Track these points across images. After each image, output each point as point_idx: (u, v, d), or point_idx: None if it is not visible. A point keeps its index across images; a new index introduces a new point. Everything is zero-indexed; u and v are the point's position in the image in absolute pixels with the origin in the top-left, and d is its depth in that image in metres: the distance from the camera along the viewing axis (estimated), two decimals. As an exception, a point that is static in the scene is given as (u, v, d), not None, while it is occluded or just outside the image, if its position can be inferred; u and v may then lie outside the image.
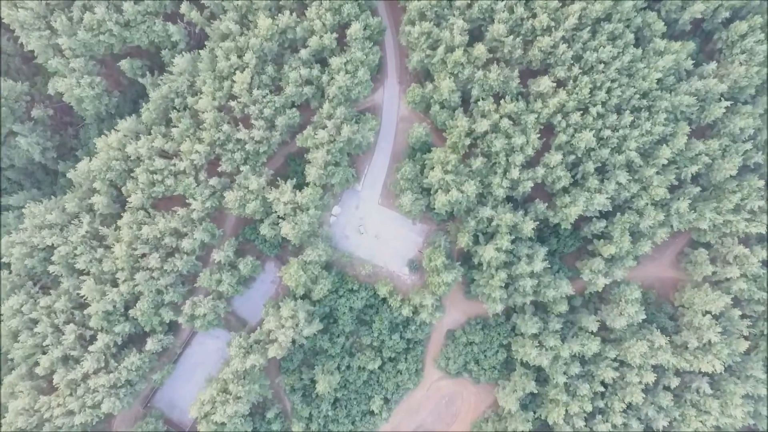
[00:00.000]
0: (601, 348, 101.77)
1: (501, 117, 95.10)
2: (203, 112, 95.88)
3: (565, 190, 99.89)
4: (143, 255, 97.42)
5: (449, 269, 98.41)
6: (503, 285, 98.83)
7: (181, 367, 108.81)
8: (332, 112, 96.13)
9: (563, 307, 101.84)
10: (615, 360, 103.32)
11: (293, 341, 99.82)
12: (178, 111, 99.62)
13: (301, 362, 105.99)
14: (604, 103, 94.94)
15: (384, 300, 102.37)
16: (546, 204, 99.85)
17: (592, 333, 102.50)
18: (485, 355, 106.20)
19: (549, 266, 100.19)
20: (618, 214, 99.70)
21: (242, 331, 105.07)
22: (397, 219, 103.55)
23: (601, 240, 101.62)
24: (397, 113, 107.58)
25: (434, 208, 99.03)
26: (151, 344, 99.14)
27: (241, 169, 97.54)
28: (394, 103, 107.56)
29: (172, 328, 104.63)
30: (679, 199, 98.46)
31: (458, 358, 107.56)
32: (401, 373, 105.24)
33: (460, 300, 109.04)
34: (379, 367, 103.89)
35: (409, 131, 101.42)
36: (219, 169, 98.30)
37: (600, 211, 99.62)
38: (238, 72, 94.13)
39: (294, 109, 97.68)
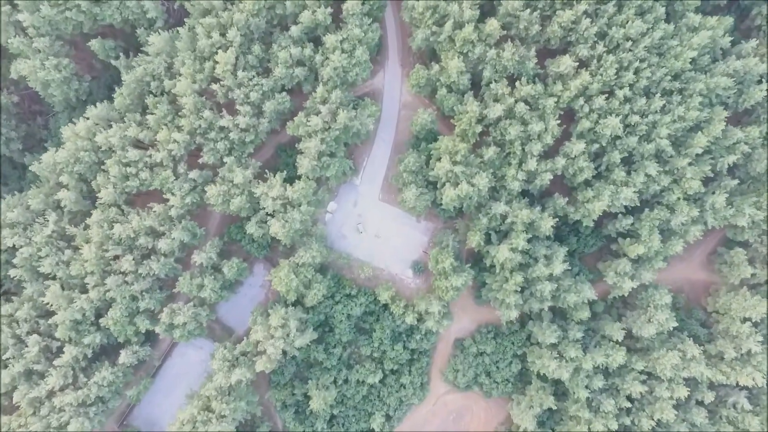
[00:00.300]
0: (627, 359, 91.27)
1: (516, 101, 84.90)
2: (182, 97, 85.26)
3: (588, 184, 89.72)
4: (115, 257, 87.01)
5: (458, 272, 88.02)
6: (518, 289, 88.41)
7: (161, 380, 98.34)
8: (327, 96, 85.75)
9: (585, 314, 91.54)
10: (642, 372, 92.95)
11: (284, 353, 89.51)
12: (155, 96, 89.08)
13: (294, 375, 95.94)
14: (631, 86, 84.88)
15: (385, 306, 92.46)
16: (566, 199, 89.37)
17: (617, 342, 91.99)
18: (497, 367, 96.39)
19: (569, 268, 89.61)
20: (646, 209, 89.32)
21: (228, 341, 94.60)
22: (400, 216, 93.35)
23: (627, 239, 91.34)
24: (399, 99, 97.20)
25: (441, 204, 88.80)
26: (125, 357, 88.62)
27: (224, 160, 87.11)
28: (396, 88, 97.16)
29: (150, 338, 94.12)
30: (714, 192, 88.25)
31: (468, 370, 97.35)
32: (404, 387, 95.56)
33: (470, 306, 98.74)
34: (380, 381, 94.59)
35: (413, 118, 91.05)
36: (200, 161, 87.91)
37: (626, 207, 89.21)
38: (220, 51, 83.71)
39: (284, 94, 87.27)
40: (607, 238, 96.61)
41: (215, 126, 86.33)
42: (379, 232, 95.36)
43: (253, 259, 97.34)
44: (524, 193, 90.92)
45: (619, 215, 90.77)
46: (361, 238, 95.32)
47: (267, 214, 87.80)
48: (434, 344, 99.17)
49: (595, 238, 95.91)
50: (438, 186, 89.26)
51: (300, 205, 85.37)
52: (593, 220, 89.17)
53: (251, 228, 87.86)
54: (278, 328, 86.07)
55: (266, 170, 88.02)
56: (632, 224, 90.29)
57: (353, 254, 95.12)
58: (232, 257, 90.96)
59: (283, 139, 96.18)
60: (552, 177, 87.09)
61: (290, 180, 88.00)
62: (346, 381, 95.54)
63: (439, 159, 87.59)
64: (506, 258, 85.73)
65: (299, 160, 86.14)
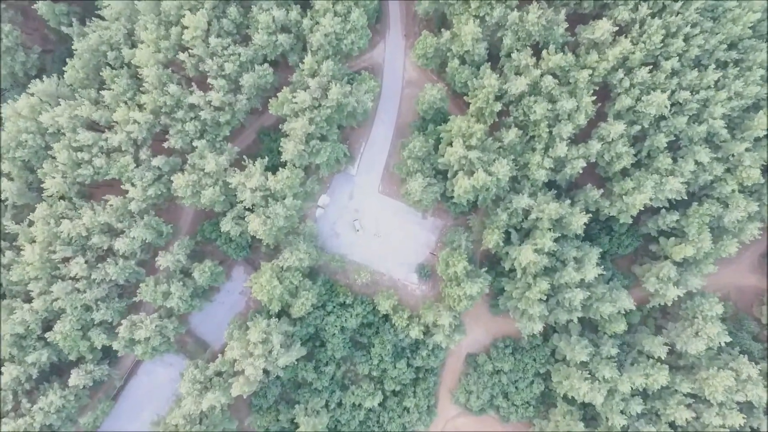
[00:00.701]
0: (670, 379, 77.38)
1: (542, 74, 71.90)
2: (143, 68, 71.28)
3: (625, 173, 76.34)
4: (65, 260, 73.22)
5: (473, 278, 74.35)
6: (544, 298, 74.53)
7: (125, 403, 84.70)
8: (316, 68, 72.10)
9: (621, 326, 78.12)
10: (688, 395, 78.97)
11: (266, 372, 75.60)
12: (113, 69, 75.21)
13: (279, 398, 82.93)
14: (680, 56, 71.95)
15: (386, 317, 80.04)
16: (600, 191, 75.60)
17: (658, 360, 78.19)
18: (517, 388, 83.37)
19: (602, 272, 75.75)
20: (694, 204, 75.73)
21: (201, 357, 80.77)
22: (403, 211, 79.97)
23: (671, 238, 77.50)
24: (402, 75, 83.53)
25: (452, 197, 75.58)
26: (77, 377, 74.89)
27: (194, 145, 73.43)
28: (399, 62, 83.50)
29: (109, 354, 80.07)
30: (775, 183, 74.40)
31: (482, 391, 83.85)
32: (408, 412, 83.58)
33: (485, 316, 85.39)
34: (379, 404, 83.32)
35: (419, 96, 77.45)
36: (166, 146, 74.33)
37: (669, 201, 75.40)
38: (189, 14, 69.88)
39: (266, 66, 73.63)
40: (644, 237, 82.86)
41: (183, 104, 72.76)
42: (378, 230, 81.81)
43: (231, 262, 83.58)
44: (549, 185, 77.26)
45: (662, 210, 77.17)
46: (358, 238, 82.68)
47: (245, 208, 73.92)
48: (443, 361, 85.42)
49: (631, 238, 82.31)
50: (448, 175, 75.65)
51: (284, 198, 71.64)
52: (631, 216, 75.34)
53: (226, 225, 74.10)
54: (258, 344, 72.23)
55: (245, 158, 74.02)
56: (677, 221, 76.41)
57: (348, 256, 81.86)
58: (205, 260, 77.03)
59: (267, 121, 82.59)
60: (585, 165, 73.19)
61: (274, 168, 74.18)
62: (339, 404, 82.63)
63: (450, 143, 73.91)
64: (530, 261, 72.14)
65: (284, 144, 72.21)
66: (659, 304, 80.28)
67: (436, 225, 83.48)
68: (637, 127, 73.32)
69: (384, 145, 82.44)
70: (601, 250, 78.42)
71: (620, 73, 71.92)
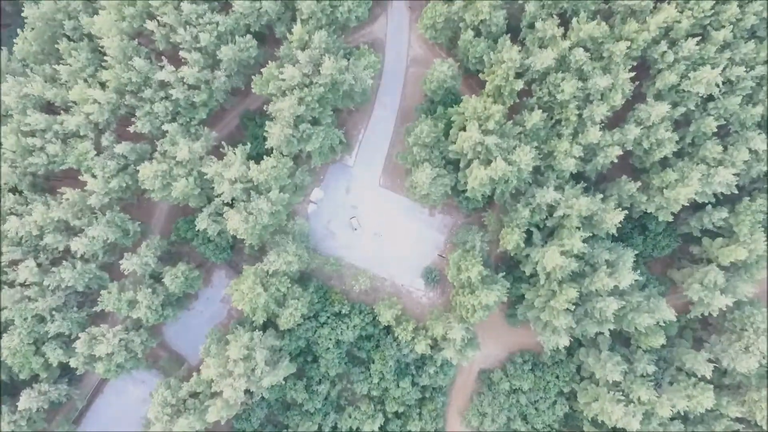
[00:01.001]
0: (716, 401, 67.04)
1: (571, 47, 61.71)
2: (105, 39, 60.77)
3: (665, 163, 65.63)
4: (12, 263, 62.64)
5: (489, 284, 64.12)
6: (571, 308, 64.02)
7: (90, 426, 74.24)
8: (307, 40, 61.52)
9: (659, 340, 67.80)
10: (736, 420, 68.63)
11: (249, 393, 65.09)
12: (71, 40, 64.70)
13: (265, 421, 73.02)
14: (733, 25, 61.22)
15: (387, 329, 69.20)
16: (637, 184, 65.15)
17: (701, 379, 67.79)
18: (537, 409, 74.06)
19: (638, 278, 65.30)
20: (745, 199, 65.31)
21: (176, 374, 70.40)
22: (408, 208, 70.83)
23: (717, 239, 67.09)
24: (406, 52, 73.33)
25: (464, 191, 65.34)
26: (27, 400, 64.34)
27: (165, 129, 62.54)
28: (403, 38, 73.34)
29: (69, 371, 69.47)
30: (839, 175, 64.07)
31: (498, 413, 74.06)
32: None
33: (500, 326, 75.48)
34: (380, 428, 71.32)
35: (426, 74, 67.04)
36: (132, 130, 63.62)
37: (716, 195, 64.92)
38: (158, -25, 59.33)
39: (249, 37, 63.16)
40: (683, 237, 72.37)
41: (152, 81, 62.72)
42: (379, 229, 71.50)
43: (211, 266, 73.27)
44: (575, 177, 66.84)
45: (708, 206, 66.50)
46: (356, 238, 73.14)
47: (224, 203, 63.43)
48: (453, 379, 75.14)
49: (669, 238, 72.16)
50: (461, 165, 65.42)
51: (269, 191, 61.37)
52: (672, 213, 64.90)
53: (203, 222, 63.80)
54: (239, 362, 61.82)
55: (224, 143, 63.56)
56: (725, 218, 66.05)
57: (345, 259, 72.12)
58: (179, 263, 66.64)
59: (253, 104, 72.50)
60: (621, 153, 62.83)
61: (258, 157, 63.74)
62: (334, 429, 73.21)
63: (463, 128, 63.60)
64: (556, 265, 61.65)
65: (269, 128, 61.73)
66: (701, 315, 69.78)
67: (446, 223, 73.08)
68: (681, 110, 62.93)
69: (386, 132, 72.14)
70: (635, 252, 67.97)
71: (663, 46, 61.71)
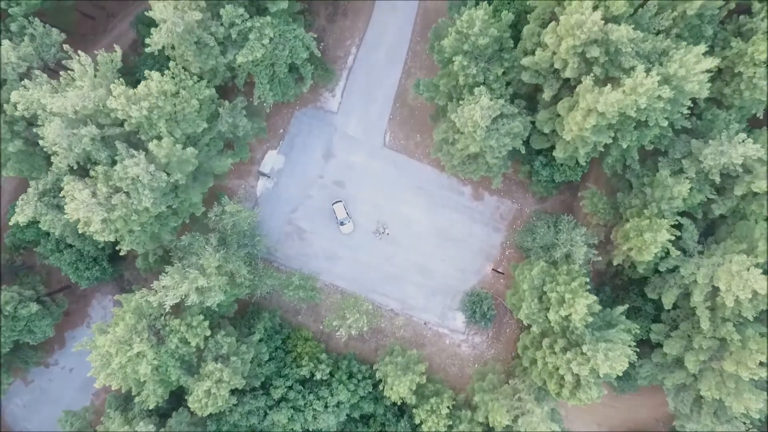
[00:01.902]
0: None
1: None
2: None
3: None
4: None
5: (603, 330, 31.80)
6: (763, 375, 32.13)
7: None
8: None
9: None
10: None
11: None
12: None
13: None
14: None
15: (401, 408, 35.73)
16: None
17: None
18: None
19: None
20: None
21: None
22: (434, 183, 38.34)
23: None
24: None
25: (544, 150, 33.06)
26: None
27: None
28: None
29: None
30: None
31: None
32: None
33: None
34: None
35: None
36: None
37: None
38: None
39: None
40: None
41: None
42: (384, 223, 39.47)
43: (85, 290, 40.94)
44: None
45: None
46: (354, 238, 40.31)
47: (69, 168, 31.22)
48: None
49: None
50: (544, 95, 33.13)
51: (160, 139, 28.97)
52: None
53: (27, 208, 31.61)
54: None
55: (71, 50, 31.34)
56: None
57: (323, 276, 39.84)
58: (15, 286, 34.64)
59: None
60: None
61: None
62: None
63: (551, 17, 31.45)
64: (751, 292, 29.61)
65: (154, 5, 29.69)
66: None
67: (503, 212, 40.88)
68: None
69: (397, 49, 39.81)
70: None
71: None
